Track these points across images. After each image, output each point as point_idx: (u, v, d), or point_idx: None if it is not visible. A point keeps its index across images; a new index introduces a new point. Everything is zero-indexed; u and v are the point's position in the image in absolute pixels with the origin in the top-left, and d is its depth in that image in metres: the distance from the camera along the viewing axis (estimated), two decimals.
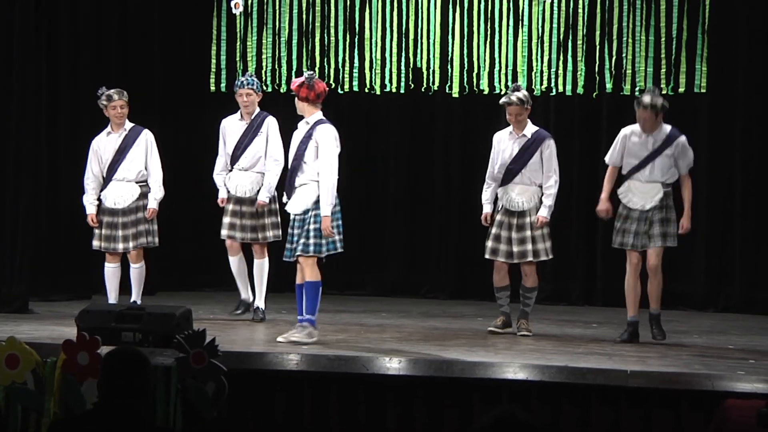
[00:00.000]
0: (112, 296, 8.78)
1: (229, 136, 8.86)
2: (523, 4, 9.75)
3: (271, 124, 8.80)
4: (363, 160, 10.56)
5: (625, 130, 8.20)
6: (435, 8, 9.92)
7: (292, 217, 7.77)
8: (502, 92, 10.01)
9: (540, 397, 6.44)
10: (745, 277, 10.16)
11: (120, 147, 8.75)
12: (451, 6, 9.90)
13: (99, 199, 8.80)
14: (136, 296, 8.77)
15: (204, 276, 10.86)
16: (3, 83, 9.18)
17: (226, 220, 8.82)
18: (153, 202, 8.76)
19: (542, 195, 8.33)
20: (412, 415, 6.52)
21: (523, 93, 8.32)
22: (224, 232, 8.84)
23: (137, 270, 8.79)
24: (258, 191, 8.74)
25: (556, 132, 10.66)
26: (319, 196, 7.57)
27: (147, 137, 8.80)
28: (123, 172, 8.74)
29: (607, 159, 8.31)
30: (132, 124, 8.85)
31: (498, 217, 8.37)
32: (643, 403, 6.35)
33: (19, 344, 6.05)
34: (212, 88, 10.24)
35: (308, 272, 7.60)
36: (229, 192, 8.86)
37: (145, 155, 8.78)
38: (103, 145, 8.80)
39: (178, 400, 6.06)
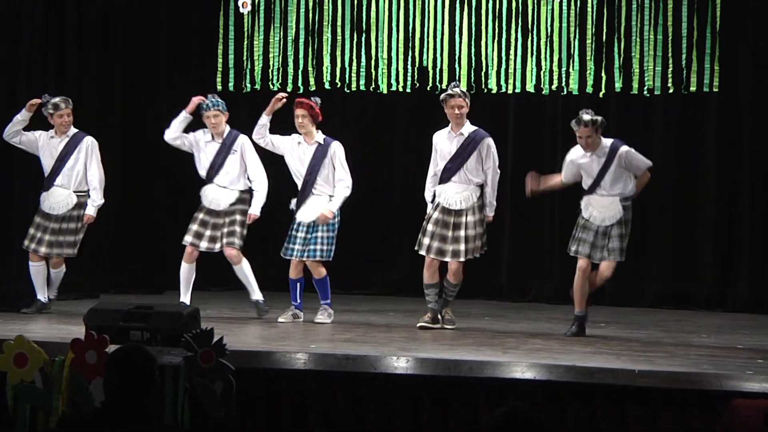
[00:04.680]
0: (41, 293, 8.89)
1: (203, 154, 8.94)
2: (533, 3, 9.76)
3: (245, 144, 8.89)
4: (369, 159, 10.57)
5: (570, 156, 8.35)
6: (443, 7, 9.94)
7: (298, 222, 8.69)
8: (510, 92, 10.04)
9: (548, 397, 6.43)
10: (754, 277, 10.17)
11: (61, 153, 8.87)
12: (458, 5, 9.91)
13: (39, 201, 8.92)
14: (52, 294, 8.95)
15: (211, 275, 10.87)
16: (10, 84, 9.21)
17: (194, 227, 8.90)
18: (91, 209, 8.88)
19: (482, 194, 8.45)
20: (420, 415, 6.50)
21: (464, 89, 8.60)
22: (188, 239, 8.91)
23: (56, 273, 8.96)
24: (232, 204, 8.84)
25: (564, 131, 10.69)
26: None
27: (88, 144, 8.91)
28: (62, 178, 8.86)
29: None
30: (75, 130, 8.93)
31: (435, 215, 8.47)
32: (651, 402, 6.34)
33: (27, 343, 6.05)
34: (219, 87, 10.28)
35: (320, 271, 8.75)
36: (201, 202, 8.95)
37: (85, 162, 8.85)
38: (42, 145, 8.90)
39: (186, 399, 6.06)
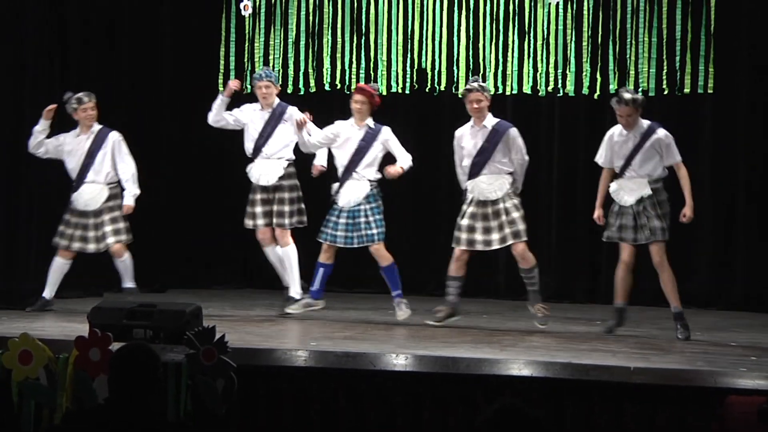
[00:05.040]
0: (48, 290, 8.95)
1: (252, 125, 9.05)
2: (529, 6, 9.79)
3: (295, 114, 8.98)
4: None
5: (609, 132, 8.39)
6: (441, 10, 9.97)
7: (339, 207, 8.65)
8: (508, 93, 10.09)
9: (544, 394, 6.50)
10: (748, 275, 10.23)
11: (89, 150, 8.94)
12: (456, 7, 9.95)
13: (70, 201, 9.00)
14: (130, 282, 9.01)
15: (214, 273, 10.95)
16: (16, 86, 9.28)
17: (258, 209, 8.98)
18: (130, 200, 8.97)
19: (513, 180, 8.48)
20: (419, 411, 6.58)
21: (484, 83, 8.56)
22: (256, 222, 9.01)
23: (123, 262, 9.00)
24: (280, 177, 8.89)
25: (561, 131, 10.76)
26: (365, 193, 8.63)
27: (114, 139, 8.99)
28: (93, 174, 8.93)
29: (598, 160, 8.44)
30: (100, 126, 9.01)
31: (470, 210, 8.47)
32: (646, 399, 6.41)
33: (32, 340, 6.13)
34: (221, 88, 10.32)
35: (386, 256, 8.70)
36: (251, 183, 9.03)
37: (113, 157, 8.92)
38: (69, 147, 8.97)
39: (189, 396, 6.13)
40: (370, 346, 7.37)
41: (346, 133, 8.79)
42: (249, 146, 9.06)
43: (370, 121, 8.80)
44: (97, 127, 8.99)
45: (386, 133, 8.80)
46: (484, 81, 8.63)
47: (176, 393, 6.16)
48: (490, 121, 8.51)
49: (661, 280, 8.23)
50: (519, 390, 6.46)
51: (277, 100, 9.07)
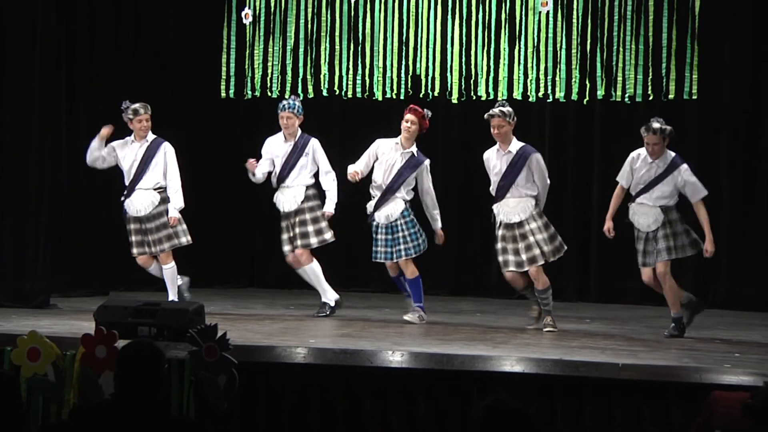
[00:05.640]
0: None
1: (274, 156, 9.20)
2: (521, 14, 9.86)
3: (316, 146, 9.18)
4: None
5: (633, 154, 8.49)
6: (435, 18, 10.03)
7: (375, 224, 8.87)
8: (500, 98, 10.23)
9: (536, 389, 6.60)
10: (732, 275, 10.39)
11: (144, 158, 9.07)
12: (450, 16, 10.03)
13: (123, 208, 9.11)
14: (172, 295, 9.05)
15: (214, 273, 11.09)
16: (25, 90, 9.36)
17: (284, 236, 9.13)
18: (174, 212, 9.07)
19: (537, 203, 8.58)
20: (414, 406, 6.68)
21: (507, 108, 8.62)
22: (286, 249, 9.14)
23: (169, 271, 9.09)
24: (301, 202, 9.07)
25: (551, 136, 10.91)
26: (401, 209, 8.80)
27: (166, 149, 9.13)
28: (145, 181, 9.06)
29: (620, 179, 8.56)
30: (154, 136, 9.14)
31: (500, 233, 8.59)
32: (634, 395, 6.51)
33: (40, 338, 6.19)
34: (222, 94, 10.43)
35: (411, 270, 8.81)
36: (279, 210, 9.19)
37: (164, 166, 9.08)
38: (123, 153, 9.11)
39: (192, 392, 6.21)
40: (367, 343, 7.49)
41: (388, 153, 8.94)
42: (273, 177, 9.21)
43: (415, 149, 8.93)
44: (151, 136, 9.14)
45: (426, 165, 8.95)
46: (507, 105, 8.71)
47: (179, 388, 6.26)
48: (515, 145, 8.60)
49: (663, 290, 8.39)
50: (511, 386, 6.54)
51: (299, 132, 9.19)
